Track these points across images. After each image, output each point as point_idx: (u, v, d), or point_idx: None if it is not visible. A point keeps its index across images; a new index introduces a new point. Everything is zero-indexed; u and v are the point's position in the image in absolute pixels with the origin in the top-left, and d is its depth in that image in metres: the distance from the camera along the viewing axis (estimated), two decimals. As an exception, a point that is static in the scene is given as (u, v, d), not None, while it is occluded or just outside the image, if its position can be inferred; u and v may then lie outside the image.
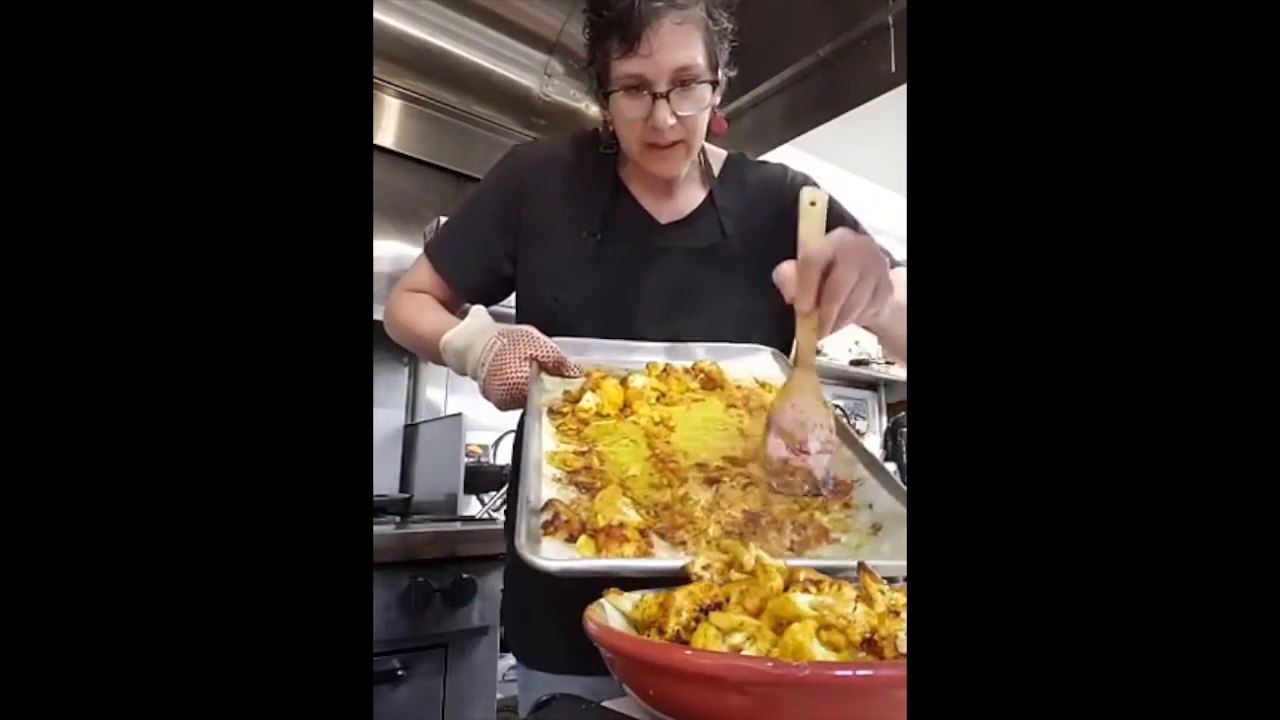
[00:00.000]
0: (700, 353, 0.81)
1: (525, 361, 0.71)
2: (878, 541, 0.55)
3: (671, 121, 0.76)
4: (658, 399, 0.73)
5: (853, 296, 0.53)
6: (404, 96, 1.91)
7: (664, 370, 0.78)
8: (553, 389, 0.73)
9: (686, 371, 0.79)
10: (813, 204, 0.56)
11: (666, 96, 0.75)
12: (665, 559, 0.50)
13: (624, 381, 0.74)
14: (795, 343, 0.57)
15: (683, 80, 0.75)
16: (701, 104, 0.78)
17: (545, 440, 0.64)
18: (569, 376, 0.74)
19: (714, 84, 0.79)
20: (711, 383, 0.77)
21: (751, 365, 0.82)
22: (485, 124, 2.02)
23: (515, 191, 0.88)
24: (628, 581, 0.48)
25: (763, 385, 0.79)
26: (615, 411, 0.70)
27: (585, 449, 0.64)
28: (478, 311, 0.80)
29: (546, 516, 0.52)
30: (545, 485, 0.57)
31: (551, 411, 0.69)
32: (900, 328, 0.68)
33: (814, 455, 0.56)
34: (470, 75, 1.95)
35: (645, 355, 0.80)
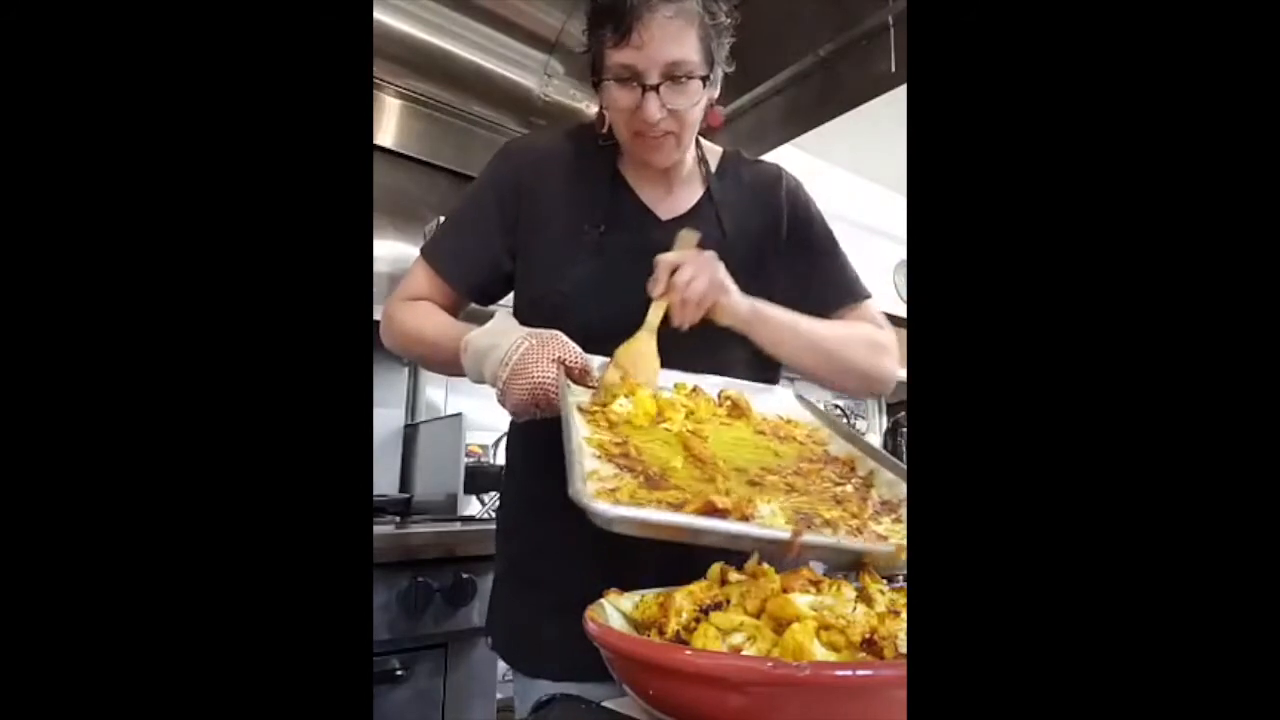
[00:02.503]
0: (724, 384, 0.81)
1: (552, 363, 0.70)
2: None
3: (660, 114, 0.76)
4: (686, 415, 0.72)
5: (689, 289, 0.73)
6: (404, 96, 1.91)
7: (693, 390, 0.77)
8: (580, 393, 0.72)
9: (712, 398, 0.78)
10: (686, 237, 0.81)
11: (657, 89, 0.75)
12: (733, 524, 0.49)
13: (654, 396, 0.73)
14: (648, 315, 0.76)
15: (674, 74, 0.75)
16: (692, 98, 0.77)
17: (581, 429, 0.63)
18: (592, 387, 0.73)
19: (707, 79, 0.78)
20: (738, 410, 0.76)
21: (774, 403, 0.81)
22: (485, 124, 2.01)
23: (512, 188, 0.88)
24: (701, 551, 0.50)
25: (788, 421, 0.78)
26: (649, 422, 0.68)
27: (621, 440, 0.63)
28: (503, 314, 0.79)
29: (594, 485, 0.52)
30: (587, 460, 0.57)
31: (581, 410, 0.68)
32: (805, 362, 0.82)
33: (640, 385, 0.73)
34: (470, 75, 1.95)
35: (672, 378, 0.79)
